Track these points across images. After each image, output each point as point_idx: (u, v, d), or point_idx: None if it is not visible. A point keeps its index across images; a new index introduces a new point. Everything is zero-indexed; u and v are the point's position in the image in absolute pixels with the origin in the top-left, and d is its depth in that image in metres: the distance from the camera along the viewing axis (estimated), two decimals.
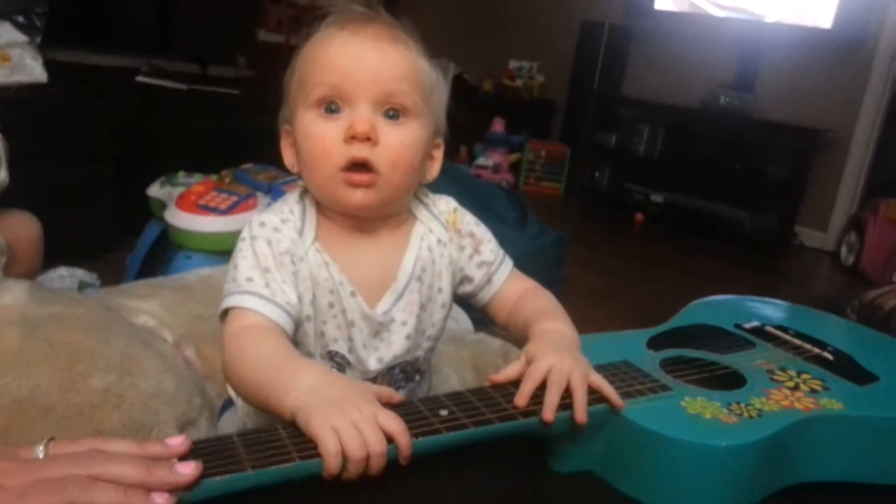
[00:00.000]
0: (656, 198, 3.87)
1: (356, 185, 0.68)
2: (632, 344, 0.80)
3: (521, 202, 2.38)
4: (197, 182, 1.76)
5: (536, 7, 4.58)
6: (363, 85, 0.67)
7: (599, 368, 0.68)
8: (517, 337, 0.78)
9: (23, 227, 1.09)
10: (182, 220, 1.66)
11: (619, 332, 0.84)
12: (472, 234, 0.79)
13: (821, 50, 3.48)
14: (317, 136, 0.68)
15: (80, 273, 1.74)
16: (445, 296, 0.78)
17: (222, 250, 1.64)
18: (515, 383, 0.65)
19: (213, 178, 1.82)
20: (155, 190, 1.82)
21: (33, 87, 2.00)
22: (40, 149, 1.81)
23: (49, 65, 2.06)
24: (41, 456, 0.49)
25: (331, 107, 0.68)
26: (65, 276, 1.70)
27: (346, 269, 0.72)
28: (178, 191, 1.73)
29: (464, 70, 4.22)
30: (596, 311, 2.14)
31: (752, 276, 3.12)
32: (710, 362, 0.78)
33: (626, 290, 2.43)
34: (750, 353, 0.82)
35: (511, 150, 4.38)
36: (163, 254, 1.74)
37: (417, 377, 0.80)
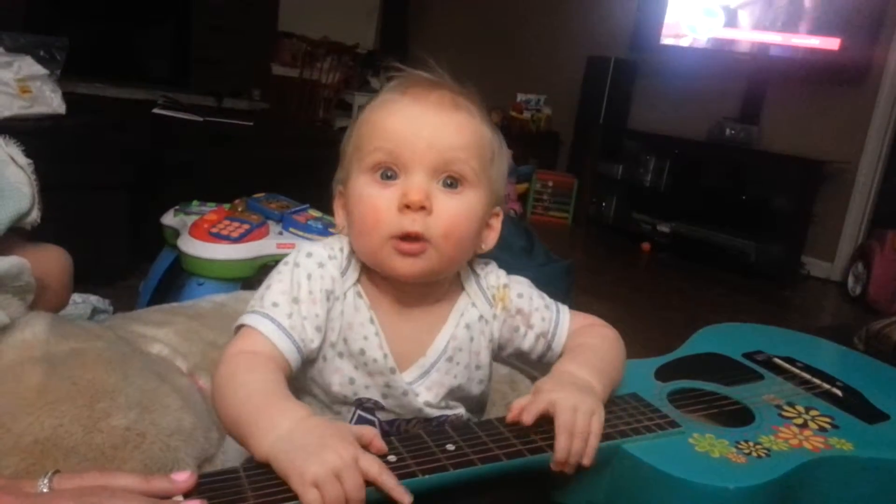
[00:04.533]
0: (663, 228, 3.87)
1: (405, 254, 0.65)
2: (640, 373, 0.79)
3: (528, 231, 2.39)
4: (210, 210, 1.79)
5: (544, 42, 4.65)
6: (420, 152, 0.65)
7: (608, 402, 0.68)
8: None
9: (53, 262, 1.09)
10: (194, 247, 1.67)
11: (627, 361, 0.84)
12: (520, 311, 0.76)
13: (825, 82, 3.50)
14: (370, 202, 0.66)
15: (93, 299, 1.75)
16: (484, 372, 0.75)
17: (234, 277, 1.65)
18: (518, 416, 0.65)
19: (226, 206, 1.84)
20: (169, 218, 1.85)
21: (52, 119, 2.03)
22: (58, 178, 1.83)
23: (68, 97, 2.10)
24: (45, 490, 0.48)
25: (387, 173, 0.66)
26: (78, 302, 1.71)
27: (382, 320, 0.69)
28: (191, 219, 1.75)
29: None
30: None
31: (758, 306, 3.11)
32: (718, 395, 0.78)
33: (632, 319, 2.43)
34: (758, 386, 0.81)
35: (519, 181, 4.40)
36: (175, 281, 1.75)
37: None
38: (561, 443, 0.61)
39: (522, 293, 0.77)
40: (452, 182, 0.66)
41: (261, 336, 0.64)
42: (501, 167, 0.72)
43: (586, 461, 0.61)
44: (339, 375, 0.69)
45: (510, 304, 0.75)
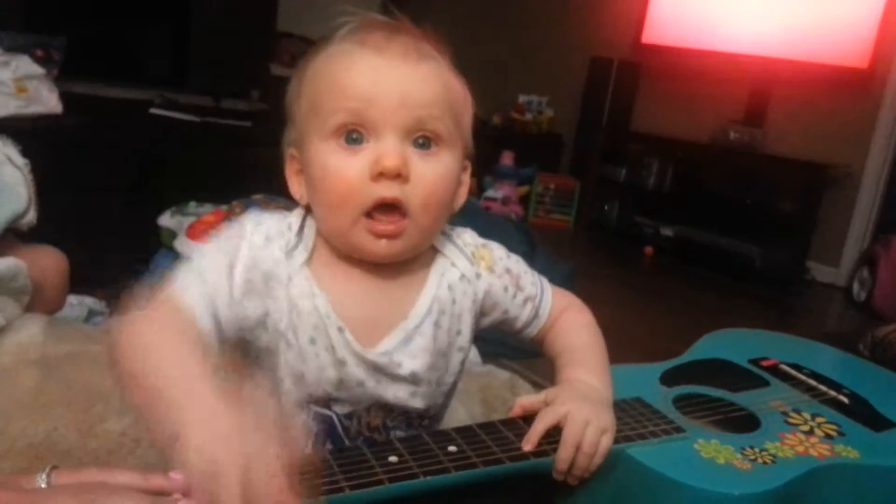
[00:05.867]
0: (666, 231, 3.85)
1: (381, 236, 0.59)
2: (645, 378, 0.79)
3: (529, 234, 2.38)
4: (207, 212, 1.77)
5: (546, 43, 4.64)
6: (390, 111, 0.57)
7: (612, 405, 0.67)
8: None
9: (50, 264, 1.09)
10: (192, 249, 1.66)
11: (632, 365, 0.83)
12: (508, 271, 0.70)
13: (831, 85, 3.49)
14: (338, 172, 0.58)
15: (89, 301, 1.74)
16: (464, 339, 0.69)
17: None
18: (528, 419, 0.64)
19: (224, 208, 1.83)
20: (166, 220, 1.83)
21: (49, 118, 2.03)
22: (54, 178, 1.83)
23: (65, 97, 2.10)
24: (43, 486, 0.48)
25: (352, 136, 0.58)
26: (74, 304, 1.70)
27: (338, 301, 0.62)
28: (188, 220, 1.74)
29: (474, 104, 4.25)
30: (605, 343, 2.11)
31: (763, 311, 3.09)
32: (724, 402, 0.77)
33: (635, 324, 2.41)
34: (764, 393, 0.81)
35: (520, 183, 4.39)
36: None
37: (426, 422, 0.69)
38: (564, 454, 0.60)
39: (505, 255, 0.71)
40: (425, 142, 0.60)
41: (185, 296, 0.57)
42: (469, 116, 0.66)
43: (587, 474, 0.60)
44: (289, 369, 0.62)
45: (496, 264, 0.70)
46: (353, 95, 0.58)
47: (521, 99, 4.68)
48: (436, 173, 0.60)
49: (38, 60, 2.04)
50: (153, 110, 2.67)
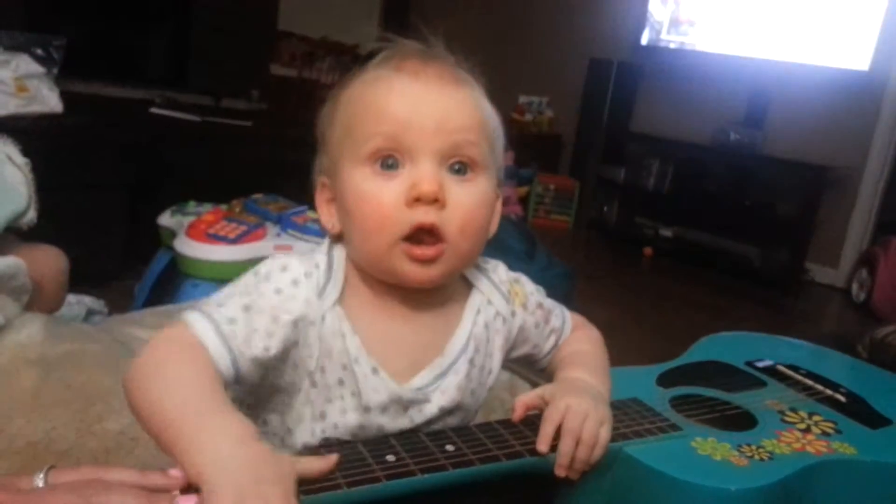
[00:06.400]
0: (665, 232, 3.86)
1: (419, 260, 0.58)
2: (642, 380, 0.79)
3: (529, 234, 2.38)
4: (207, 211, 1.78)
5: (546, 44, 4.64)
6: (427, 136, 0.57)
7: (610, 405, 0.67)
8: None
9: (49, 262, 1.09)
10: (191, 248, 1.66)
11: (628, 367, 0.83)
12: (540, 306, 0.71)
13: (831, 87, 3.49)
14: (373, 198, 0.57)
15: (88, 300, 1.74)
16: (493, 376, 0.68)
17: (230, 279, 1.64)
18: (524, 420, 0.64)
19: (224, 207, 1.83)
20: (165, 219, 1.83)
21: (49, 118, 2.03)
22: (54, 177, 1.83)
23: (65, 96, 2.10)
24: (41, 485, 0.49)
25: (388, 161, 0.57)
26: (73, 302, 1.70)
27: (372, 342, 0.60)
28: (188, 220, 1.74)
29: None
30: None
31: (761, 312, 3.09)
32: (720, 401, 0.77)
33: (634, 325, 2.41)
34: (761, 393, 0.81)
35: (520, 183, 4.39)
36: (170, 283, 1.74)
37: None
38: (566, 447, 0.60)
39: (534, 289, 0.71)
40: (461, 168, 0.59)
41: (190, 333, 0.56)
42: (502, 145, 0.65)
43: (587, 467, 0.61)
44: (311, 408, 0.61)
45: (528, 300, 0.69)
46: (389, 120, 0.57)
47: (522, 100, 4.68)
48: (472, 198, 0.59)
49: (39, 59, 2.04)
50: (153, 109, 2.67)
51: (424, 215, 0.56)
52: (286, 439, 0.63)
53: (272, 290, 0.59)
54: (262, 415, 0.64)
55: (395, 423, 0.62)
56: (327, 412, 0.61)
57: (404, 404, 0.62)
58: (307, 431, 0.61)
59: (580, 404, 0.62)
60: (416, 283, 0.59)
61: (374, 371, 0.60)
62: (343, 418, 0.61)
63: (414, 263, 0.58)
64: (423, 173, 0.57)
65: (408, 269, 0.58)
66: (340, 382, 0.60)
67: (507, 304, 0.68)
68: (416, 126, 0.57)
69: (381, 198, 0.57)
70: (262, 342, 0.57)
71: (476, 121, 0.60)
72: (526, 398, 0.65)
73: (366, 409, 0.60)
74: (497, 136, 0.63)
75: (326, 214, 0.63)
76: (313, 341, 0.59)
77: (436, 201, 0.57)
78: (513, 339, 0.69)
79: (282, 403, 0.62)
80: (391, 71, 0.59)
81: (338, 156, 0.60)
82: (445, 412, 0.64)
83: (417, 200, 0.56)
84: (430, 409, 0.63)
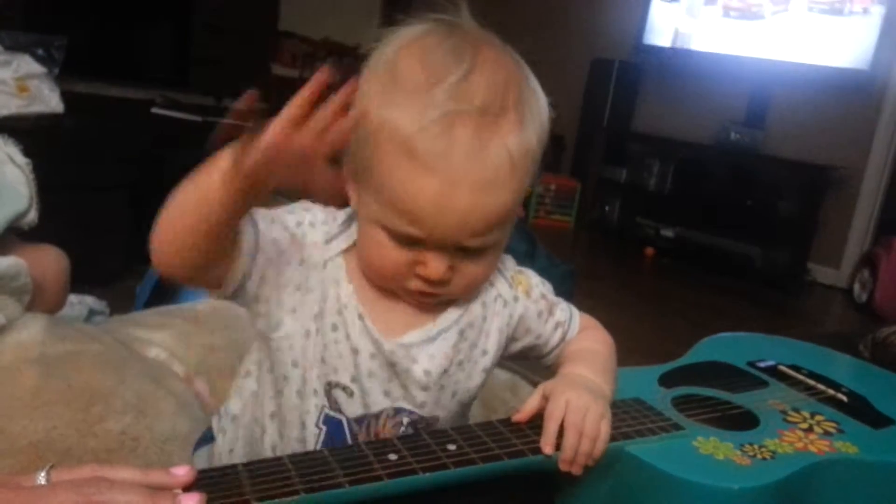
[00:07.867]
0: (667, 233, 3.85)
1: (424, 296, 0.62)
2: (644, 380, 0.79)
3: (530, 235, 2.37)
4: None
5: (547, 44, 4.64)
6: (450, 232, 0.57)
7: (611, 405, 0.67)
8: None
9: (50, 262, 1.09)
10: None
11: (630, 368, 0.83)
12: (544, 296, 0.72)
13: (831, 87, 3.49)
14: (384, 259, 0.60)
15: (89, 300, 1.74)
16: (489, 360, 0.68)
17: None
18: (530, 419, 0.64)
19: None
20: None
21: (50, 118, 2.03)
22: (55, 177, 1.83)
23: (66, 96, 2.10)
24: (43, 482, 0.49)
25: (407, 242, 0.59)
26: (74, 303, 1.70)
27: (365, 297, 0.63)
28: None
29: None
30: None
31: (763, 313, 3.09)
32: (722, 401, 0.77)
33: (635, 325, 2.41)
34: (763, 393, 0.81)
35: None
36: (171, 283, 1.74)
37: None
38: (569, 441, 0.60)
39: (540, 281, 0.73)
40: (477, 251, 0.60)
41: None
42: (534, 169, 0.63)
43: (591, 462, 0.61)
44: (313, 355, 0.64)
45: (532, 289, 0.71)
46: (418, 220, 0.57)
47: None
48: (482, 268, 0.62)
49: (40, 60, 2.04)
50: (154, 110, 2.66)
51: (430, 287, 0.61)
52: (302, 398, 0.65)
53: (294, 222, 0.63)
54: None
55: (387, 385, 0.64)
56: (326, 357, 0.63)
57: (388, 358, 0.63)
58: (314, 376, 0.64)
59: (579, 398, 0.62)
60: (416, 306, 0.64)
61: (361, 318, 0.63)
62: (340, 362, 0.63)
63: (416, 294, 0.62)
64: (434, 261, 0.59)
65: (411, 300, 0.63)
66: (334, 327, 0.63)
67: (509, 288, 0.69)
68: (443, 225, 0.57)
69: (392, 259, 0.60)
70: (278, 232, 0.61)
71: (509, 208, 0.60)
72: (527, 406, 0.65)
73: (355, 352, 0.63)
74: (530, 178, 0.62)
75: (354, 200, 0.64)
76: (315, 285, 0.63)
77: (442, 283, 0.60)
78: (514, 326, 0.70)
79: (284, 356, 0.65)
80: (443, 143, 0.55)
81: (365, 183, 0.60)
82: (433, 381, 0.65)
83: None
84: (417, 373, 0.64)
